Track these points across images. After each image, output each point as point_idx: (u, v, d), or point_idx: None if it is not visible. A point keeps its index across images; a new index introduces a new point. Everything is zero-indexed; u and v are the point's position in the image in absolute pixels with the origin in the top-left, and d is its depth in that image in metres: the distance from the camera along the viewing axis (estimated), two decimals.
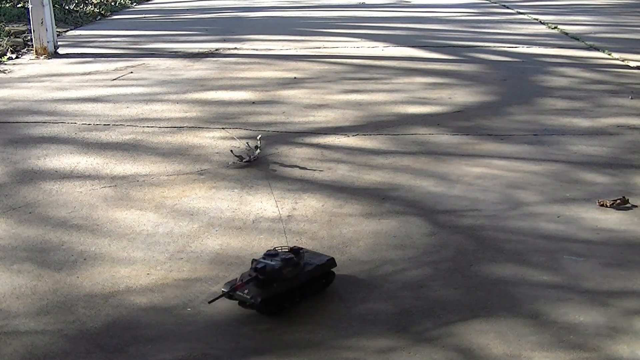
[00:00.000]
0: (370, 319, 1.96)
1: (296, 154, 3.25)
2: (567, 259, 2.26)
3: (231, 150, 3.16)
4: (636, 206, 2.64)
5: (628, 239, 2.40)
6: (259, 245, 2.38)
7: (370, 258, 2.28)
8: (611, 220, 2.54)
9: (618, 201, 2.66)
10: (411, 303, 2.03)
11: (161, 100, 4.19)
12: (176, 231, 2.50)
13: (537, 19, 7.42)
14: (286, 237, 2.43)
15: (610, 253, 2.31)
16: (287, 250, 2.09)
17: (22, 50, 5.94)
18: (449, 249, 2.35)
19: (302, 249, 2.11)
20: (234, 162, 3.07)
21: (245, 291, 1.99)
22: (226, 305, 2.02)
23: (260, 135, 3.20)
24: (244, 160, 3.08)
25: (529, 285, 2.11)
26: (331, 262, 2.11)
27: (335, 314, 1.99)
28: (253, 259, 2.06)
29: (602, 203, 2.66)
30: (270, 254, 2.06)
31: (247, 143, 3.27)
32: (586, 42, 5.95)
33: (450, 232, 2.47)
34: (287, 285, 2.00)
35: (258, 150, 3.14)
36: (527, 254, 2.30)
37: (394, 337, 1.87)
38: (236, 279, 2.04)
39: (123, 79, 4.79)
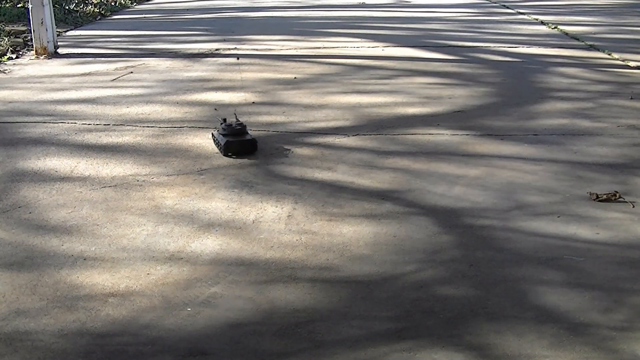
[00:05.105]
0: (370, 318, 1.96)
1: (296, 154, 3.25)
2: (568, 259, 2.26)
3: (215, 108, 3.31)
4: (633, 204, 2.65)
5: (628, 238, 2.41)
6: (259, 245, 2.38)
7: (370, 258, 2.28)
8: (611, 219, 2.54)
9: (610, 195, 2.69)
10: (411, 303, 2.03)
11: (161, 101, 4.19)
12: (176, 231, 2.50)
13: (537, 19, 7.42)
14: (286, 236, 2.43)
15: (610, 253, 2.31)
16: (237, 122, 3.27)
17: (22, 50, 5.93)
18: (449, 248, 2.35)
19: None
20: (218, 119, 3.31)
21: (222, 133, 3.21)
22: (226, 305, 2.02)
23: (235, 110, 3.48)
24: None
25: (529, 285, 2.11)
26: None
27: (335, 313, 1.99)
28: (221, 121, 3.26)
29: (595, 196, 2.69)
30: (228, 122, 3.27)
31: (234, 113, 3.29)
32: (586, 42, 5.95)
33: (451, 232, 2.47)
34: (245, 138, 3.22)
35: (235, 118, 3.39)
36: (528, 253, 2.30)
37: (395, 337, 1.87)
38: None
39: (123, 79, 4.79)
